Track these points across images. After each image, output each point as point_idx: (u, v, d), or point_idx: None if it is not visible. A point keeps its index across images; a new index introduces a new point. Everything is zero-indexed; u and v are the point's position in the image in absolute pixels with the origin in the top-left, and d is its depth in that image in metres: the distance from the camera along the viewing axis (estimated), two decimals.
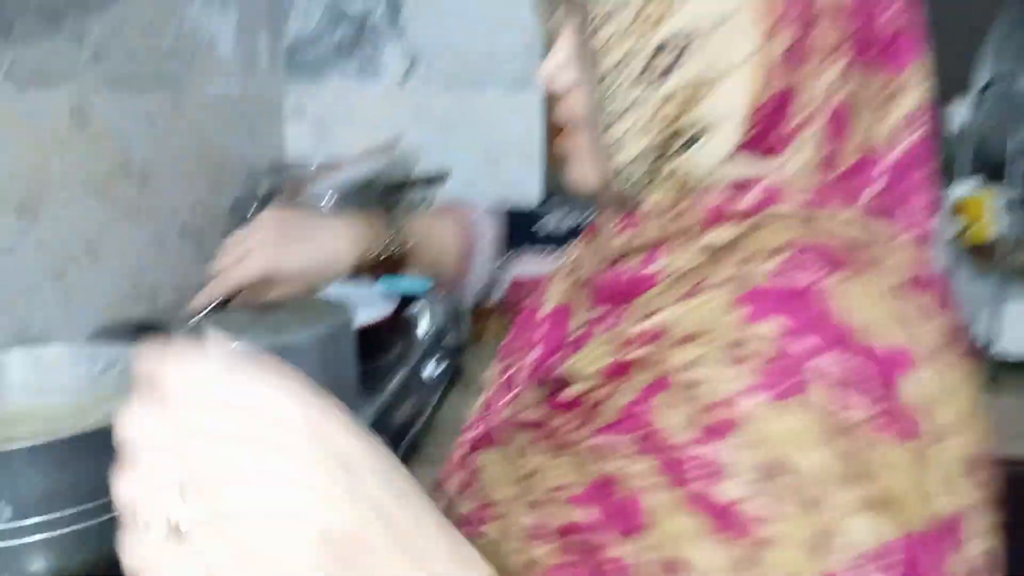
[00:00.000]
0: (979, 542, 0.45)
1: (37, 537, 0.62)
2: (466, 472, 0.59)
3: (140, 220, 1.36)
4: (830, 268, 0.45)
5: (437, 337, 1.61)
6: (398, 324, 1.54)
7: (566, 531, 0.46)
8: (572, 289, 0.62)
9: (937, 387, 0.44)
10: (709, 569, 0.41)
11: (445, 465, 0.63)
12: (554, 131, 0.63)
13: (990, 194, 1.78)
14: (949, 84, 1.99)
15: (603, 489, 0.45)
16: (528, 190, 1.93)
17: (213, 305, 0.84)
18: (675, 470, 0.43)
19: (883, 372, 0.43)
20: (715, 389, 0.43)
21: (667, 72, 0.48)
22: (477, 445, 0.59)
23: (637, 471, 0.44)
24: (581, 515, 0.45)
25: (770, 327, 0.43)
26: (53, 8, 1.18)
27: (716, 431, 0.42)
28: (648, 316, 0.49)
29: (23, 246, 1.09)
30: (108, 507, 0.65)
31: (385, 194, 1.74)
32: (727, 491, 0.41)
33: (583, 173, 0.57)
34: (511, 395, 0.60)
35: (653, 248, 0.53)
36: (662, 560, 0.42)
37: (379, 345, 1.51)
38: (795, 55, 0.49)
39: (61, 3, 1.20)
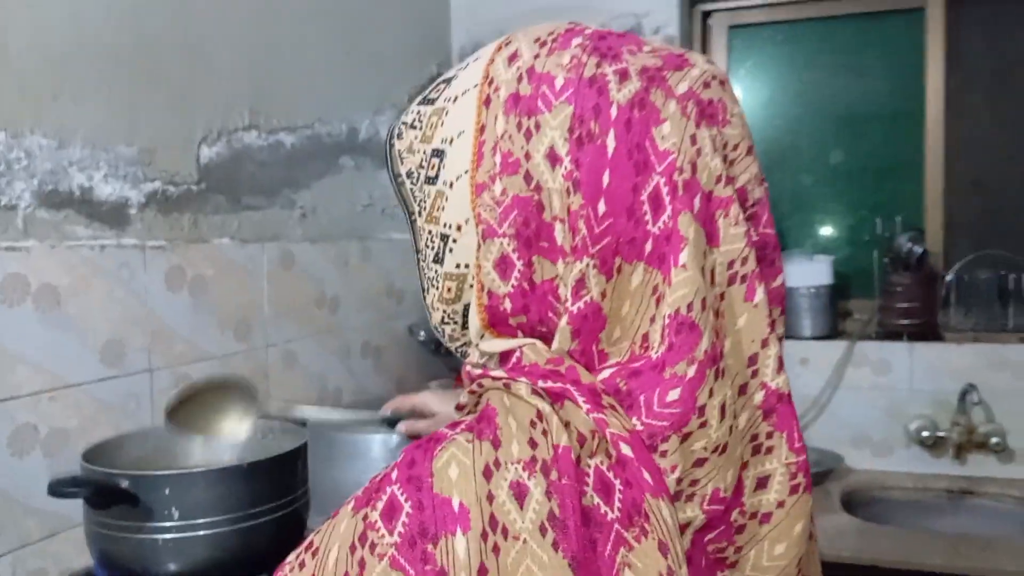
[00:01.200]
0: None
1: (194, 534, 0.96)
2: None
3: (329, 339, 1.77)
4: (465, 431, 0.54)
5: None
6: None
7: None
8: None
9: (469, 555, 0.49)
10: None
11: None
12: None
13: None
14: None
15: None
16: None
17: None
18: None
19: (435, 520, 0.50)
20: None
21: (443, 258, 0.62)
22: None
23: None
24: None
25: (397, 461, 0.54)
26: (272, 185, 1.65)
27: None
28: None
29: (236, 356, 1.51)
30: (244, 518, 0.99)
31: None
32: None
33: None
34: None
35: None
36: None
37: None
38: (525, 256, 0.58)
39: (278, 181, 1.67)
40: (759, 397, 0.60)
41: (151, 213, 1.39)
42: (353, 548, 0.51)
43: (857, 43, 2.34)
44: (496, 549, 0.49)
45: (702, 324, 0.55)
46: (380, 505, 0.52)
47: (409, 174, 0.65)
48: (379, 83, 2.02)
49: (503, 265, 0.59)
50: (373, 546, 0.50)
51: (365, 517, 0.52)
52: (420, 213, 0.64)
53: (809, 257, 2.23)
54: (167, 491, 0.94)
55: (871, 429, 2.13)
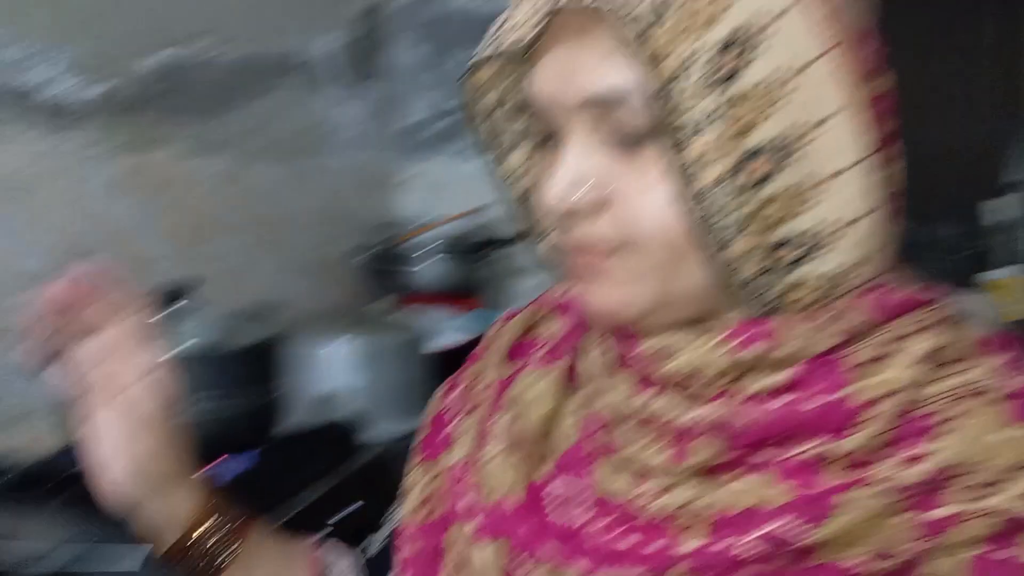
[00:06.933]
0: None
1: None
2: None
3: (270, 256, 1.79)
4: None
5: None
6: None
7: None
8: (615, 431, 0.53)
9: None
10: None
11: None
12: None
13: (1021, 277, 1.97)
14: (982, 184, 2.18)
15: None
16: None
17: None
18: None
19: None
20: None
21: (764, 180, 0.44)
22: None
23: None
24: None
25: None
26: (219, 101, 1.65)
27: None
28: (914, 460, 0.45)
29: (184, 264, 1.52)
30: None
31: (471, 249, 2.13)
32: None
33: (615, 295, 0.49)
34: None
35: (809, 361, 0.47)
36: None
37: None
38: (891, 157, 0.47)
39: (226, 96, 1.67)
40: None
41: (103, 116, 1.38)
42: None
43: None
44: None
45: None
46: None
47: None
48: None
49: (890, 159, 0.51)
50: None
51: None
52: (693, 137, 0.46)
53: None
54: None
55: None
